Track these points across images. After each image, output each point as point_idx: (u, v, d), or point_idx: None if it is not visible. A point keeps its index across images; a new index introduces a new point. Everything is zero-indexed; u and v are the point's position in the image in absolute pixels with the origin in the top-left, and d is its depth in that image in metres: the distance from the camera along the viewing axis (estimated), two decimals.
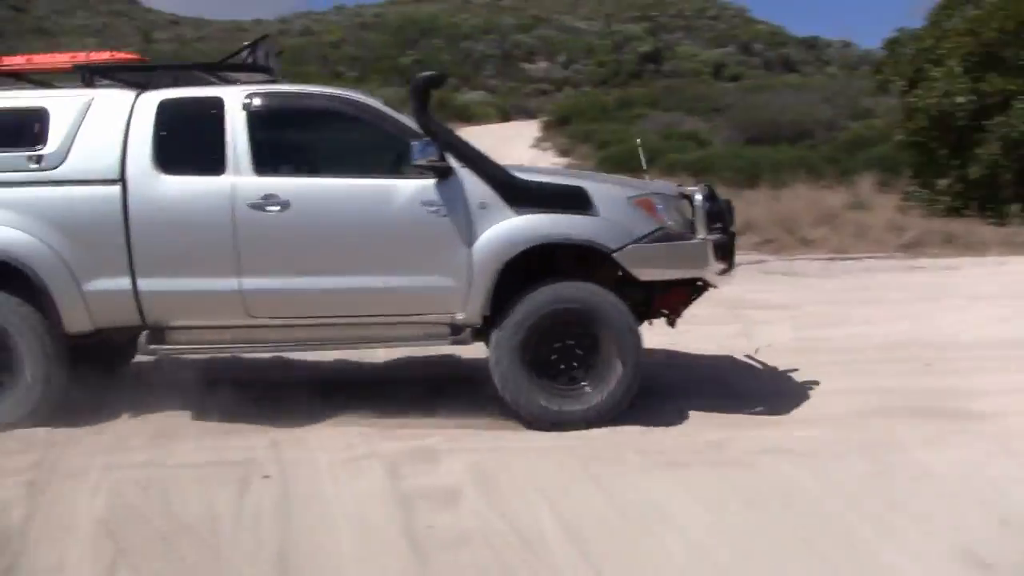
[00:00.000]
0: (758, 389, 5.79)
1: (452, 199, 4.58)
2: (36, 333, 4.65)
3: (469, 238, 4.57)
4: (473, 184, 4.62)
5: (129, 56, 5.22)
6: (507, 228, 4.58)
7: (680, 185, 5.25)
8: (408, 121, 4.72)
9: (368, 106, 4.75)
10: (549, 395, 4.74)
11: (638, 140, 7.25)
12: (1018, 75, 14.49)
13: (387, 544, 3.49)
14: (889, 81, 16.95)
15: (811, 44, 30.80)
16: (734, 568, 3.41)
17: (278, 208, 4.56)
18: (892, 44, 17.22)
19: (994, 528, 3.75)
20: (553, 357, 4.72)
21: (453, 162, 4.62)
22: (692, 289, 4.94)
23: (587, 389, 4.77)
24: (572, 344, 4.70)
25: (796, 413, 5.30)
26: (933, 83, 14.83)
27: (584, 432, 4.78)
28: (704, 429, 5.00)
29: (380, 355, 6.38)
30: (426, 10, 26.90)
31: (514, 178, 4.63)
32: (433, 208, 4.57)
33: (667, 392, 5.53)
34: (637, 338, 4.72)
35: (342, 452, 4.42)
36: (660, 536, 3.59)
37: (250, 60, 5.07)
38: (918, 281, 10.42)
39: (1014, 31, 14.65)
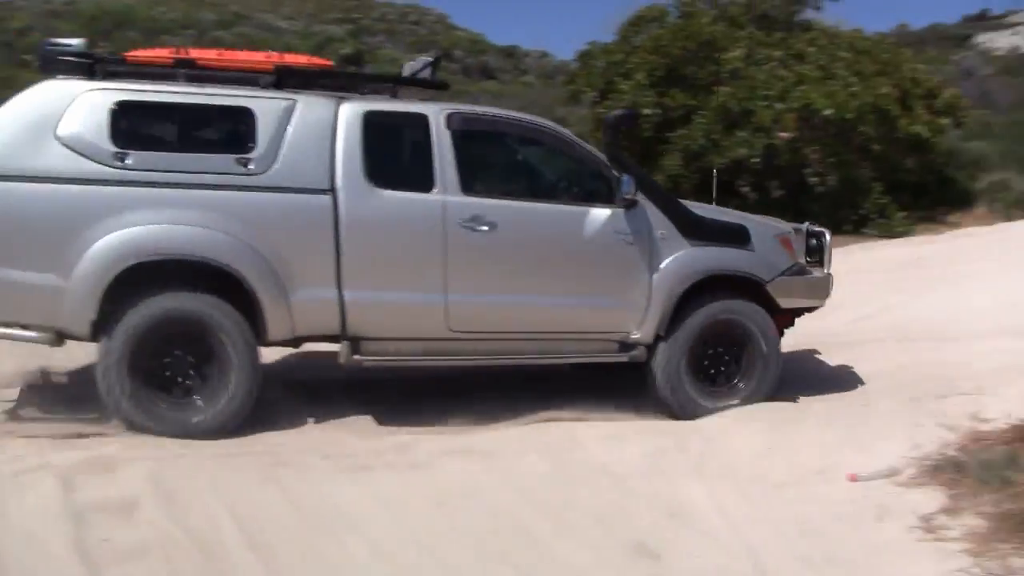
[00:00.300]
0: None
1: (638, 229, 5.01)
2: (247, 342, 4.55)
3: (651, 265, 5.04)
4: (655, 216, 5.06)
5: (324, 62, 5.10)
6: (686, 259, 5.12)
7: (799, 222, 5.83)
8: (597, 152, 5.07)
9: (563, 136, 5.09)
10: (704, 394, 5.27)
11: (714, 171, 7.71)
12: (698, 92, 15.63)
13: (56, 560, 3.31)
14: (581, 92, 17.52)
15: (510, 53, 32.91)
16: (416, 567, 3.43)
17: (486, 228, 4.76)
18: (584, 57, 17.80)
19: (664, 520, 3.90)
20: (706, 363, 5.28)
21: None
22: (796, 312, 5.57)
23: (740, 385, 5.32)
24: (722, 351, 5.28)
25: (482, 415, 5.25)
26: (622, 95, 15.50)
27: (270, 438, 4.72)
28: (390, 433, 4.95)
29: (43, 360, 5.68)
30: (122, 1, 24.53)
31: (690, 212, 5.16)
32: (622, 236, 4.98)
33: (354, 397, 5.43)
34: (779, 343, 5.36)
35: (9, 464, 4.12)
36: (342, 539, 3.57)
37: (431, 76, 5.11)
38: None
39: (694, 51, 15.84)
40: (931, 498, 4.02)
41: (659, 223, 5.12)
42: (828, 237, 5.66)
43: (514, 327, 4.94)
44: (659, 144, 15.81)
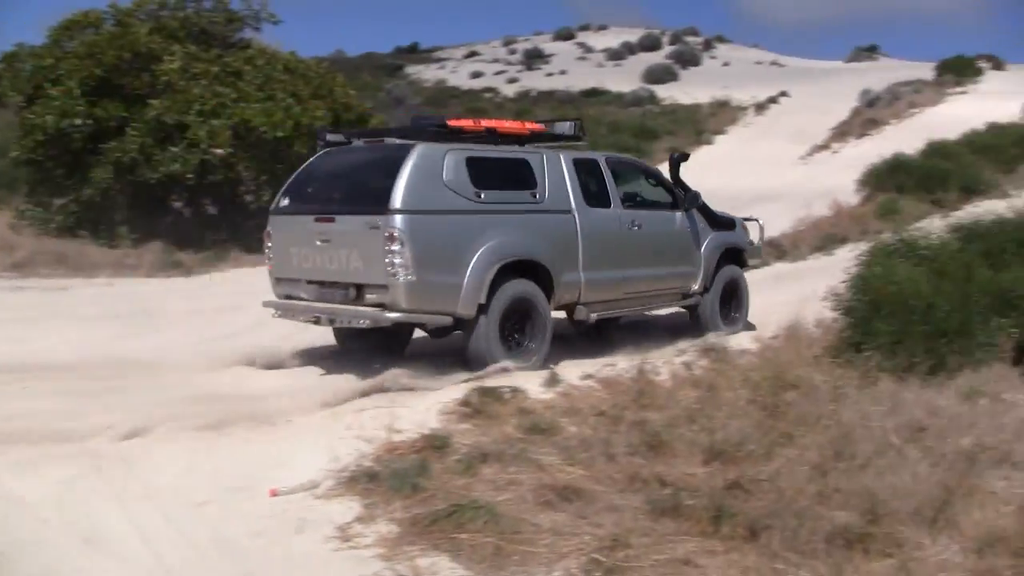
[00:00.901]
0: None
1: (693, 223, 8.56)
2: (546, 308, 7.22)
3: (700, 244, 8.60)
4: (697, 216, 8.61)
5: (539, 126, 8.00)
6: (715, 240, 8.75)
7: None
8: (666, 178, 8.65)
9: (653, 170, 8.91)
10: (728, 320, 9.07)
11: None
12: (133, 103, 15.40)
13: None
14: (6, 96, 16.68)
15: None
16: None
17: (638, 228, 8.08)
18: (10, 58, 16.92)
19: (76, 548, 3.83)
20: (725, 304, 8.94)
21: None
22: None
23: (735, 315, 9.12)
24: (729, 296, 8.98)
25: None
26: (51, 102, 14.93)
27: None
28: None
29: None
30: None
31: (712, 211, 8.69)
32: (689, 228, 8.54)
33: None
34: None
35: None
36: None
37: (576, 132, 8.15)
38: (25, 301, 10.46)
39: (130, 61, 15.60)
40: (348, 508, 4.31)
41: (700, 220, 8.71)
42: (761, 222, 9.76)
43: (649, 288, 8.28)
44: (90, 155, 15.12)
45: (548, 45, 58.93)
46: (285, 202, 7.32)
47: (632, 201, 8.30)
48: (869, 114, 30.81)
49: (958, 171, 18.37)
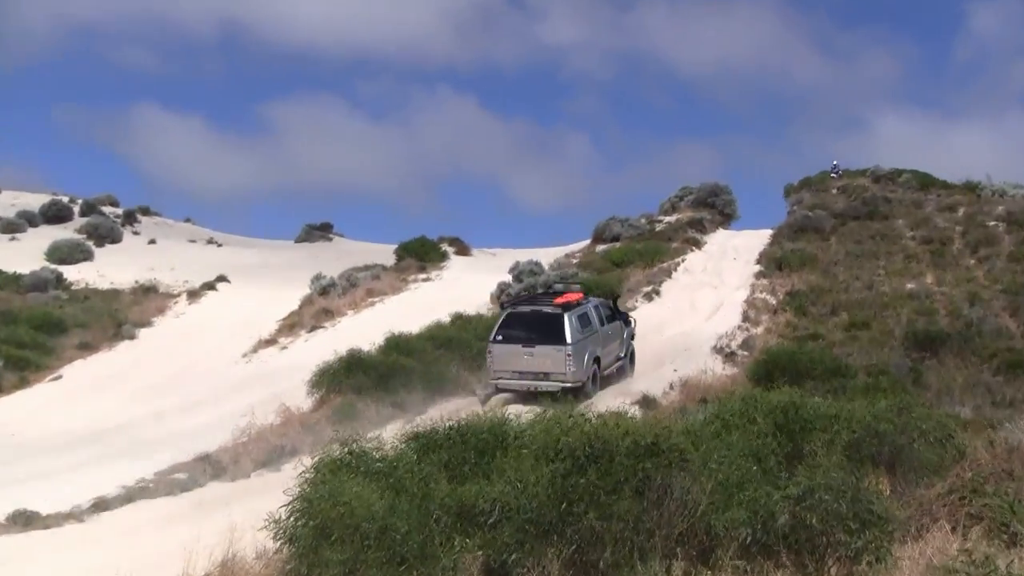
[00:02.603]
0: None
1: (625, 328, 25.86)
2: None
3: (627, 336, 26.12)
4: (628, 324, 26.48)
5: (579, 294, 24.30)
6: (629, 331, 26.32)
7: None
8: (613, 307, 25.81)
9: (607, 303, 25.55)
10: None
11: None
12: None
13: None
14: None
15: None
16: None
17: (609, 332, 24.78)
18: None
19: None
20: None
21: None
22: None
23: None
24: None
25: None
26: None
27: None
28: None
29: None
30: None
31: (627, 317, 26.26)
32: (626, 329, 25.71)
33: None
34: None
35: None
36: None
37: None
38: None
39: None
40: None
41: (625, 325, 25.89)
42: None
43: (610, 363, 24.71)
44: None
45: None
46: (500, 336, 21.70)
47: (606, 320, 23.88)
48: (323, 303, 33.67)
49: (421, 368, 20.67)
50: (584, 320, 22.74)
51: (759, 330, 27.84)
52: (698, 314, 30.66)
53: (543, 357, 21.67)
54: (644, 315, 28.62)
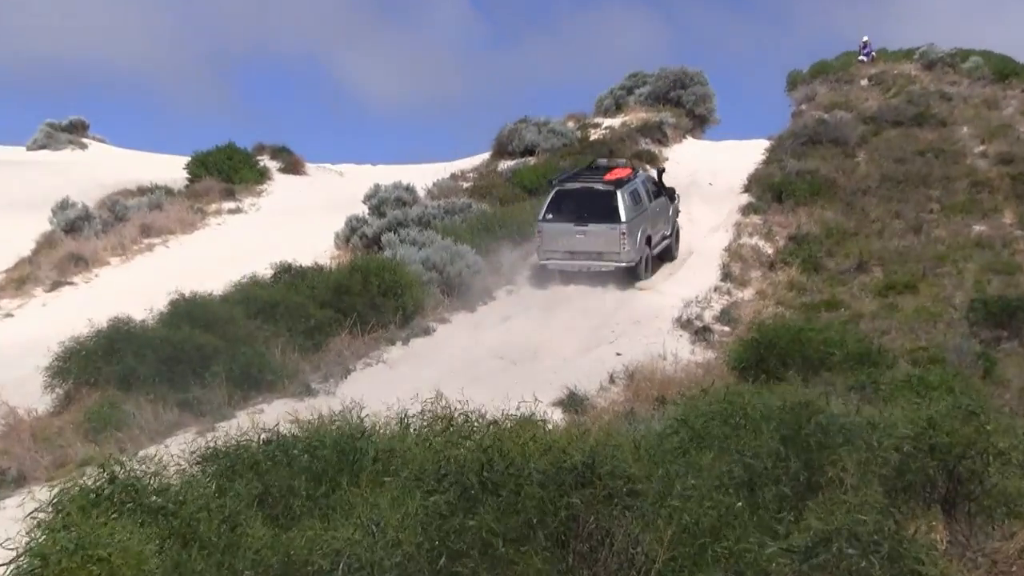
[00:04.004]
0: None
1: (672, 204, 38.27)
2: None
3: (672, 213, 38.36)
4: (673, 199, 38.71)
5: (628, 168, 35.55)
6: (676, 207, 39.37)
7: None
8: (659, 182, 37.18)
9: (653, 178, 37.11)
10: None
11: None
12: None
13: None
14: None
15: None
16: None
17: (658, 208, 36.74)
18: None
19: None
20: None
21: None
22: None
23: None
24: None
25: None
26: None
27: None
28: None
29: None
30: None
31: (672, 192, 37.83)
32: (671, 205, 37.29)
33: None
34: None
35: None
36: None
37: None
38: None
39: None
40: None
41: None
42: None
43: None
44: None
45: None
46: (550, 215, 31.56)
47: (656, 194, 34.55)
48: (72, 245, 32.95)
49: (227, 350, 20.45)
50: (635, 197, 31.57)
51: (746, 294, 28.64)
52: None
53: (596, 236, 30.47)
54: None
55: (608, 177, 31.85)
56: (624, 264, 29.98)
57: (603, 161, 35.71)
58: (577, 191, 31.49)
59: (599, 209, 30.75)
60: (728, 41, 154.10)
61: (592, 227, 30.37)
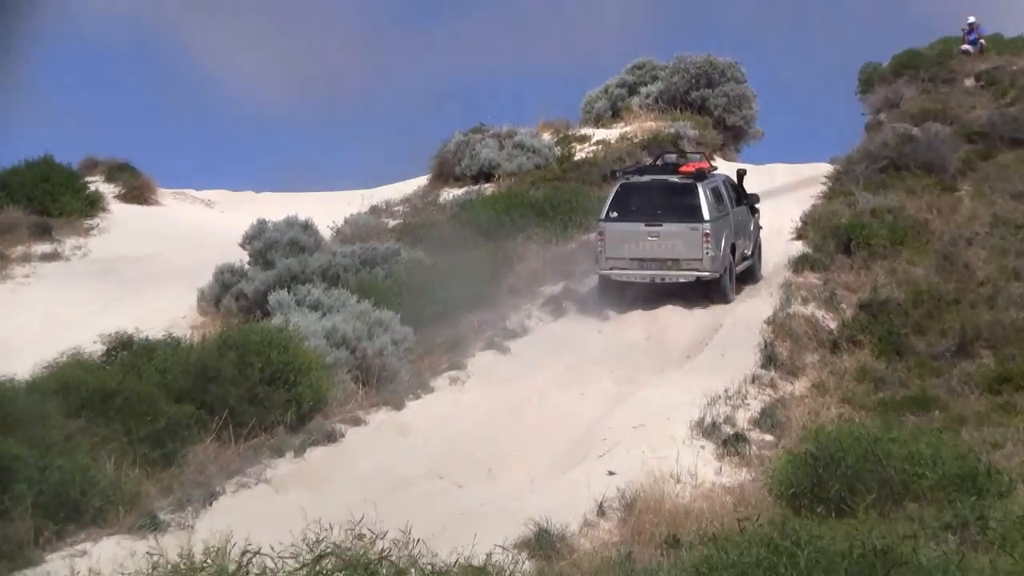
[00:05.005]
0: None
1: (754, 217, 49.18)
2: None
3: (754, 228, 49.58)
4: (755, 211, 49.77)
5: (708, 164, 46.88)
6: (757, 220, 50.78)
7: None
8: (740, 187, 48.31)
9: (733, 181, 46.69)
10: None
11: None
12: None
13: None
14: None
15: None
16: None
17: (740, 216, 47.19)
18: None
19: None
20: None
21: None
22: None
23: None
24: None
25: None
26: None
27: None
28: None
29: None
30: None
31: (754, 201, 48.42)
32: (753, 216, 48.26)
33: None
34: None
35: None
36: None
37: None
38: None
39: None
40: None
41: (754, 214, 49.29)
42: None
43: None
44: None
45: None
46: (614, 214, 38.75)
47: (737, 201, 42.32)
48: None
49: (38, 463, 20.44)
50: (717, 196, 36.38)
51: (798, 387, 28.45)
52: (664, 350, 31.08)
53: (672, 239, 34.49)
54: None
55: (685, 169, 36.00)
56: (707, 274, 33.05)
57: (672, 157, 39.57)
58: (648, 184, 35.18)
59: (676, 206, 34.17)
60: (771, 20, 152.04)
61: (667, 227, 33.68)
